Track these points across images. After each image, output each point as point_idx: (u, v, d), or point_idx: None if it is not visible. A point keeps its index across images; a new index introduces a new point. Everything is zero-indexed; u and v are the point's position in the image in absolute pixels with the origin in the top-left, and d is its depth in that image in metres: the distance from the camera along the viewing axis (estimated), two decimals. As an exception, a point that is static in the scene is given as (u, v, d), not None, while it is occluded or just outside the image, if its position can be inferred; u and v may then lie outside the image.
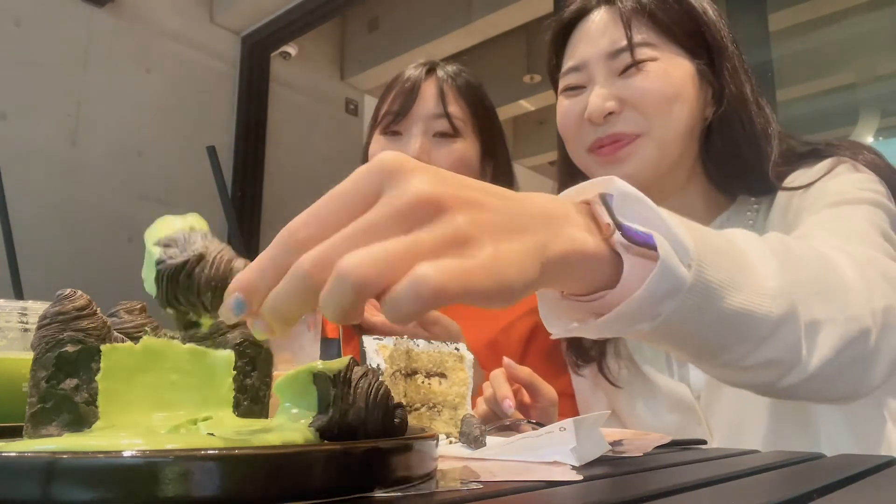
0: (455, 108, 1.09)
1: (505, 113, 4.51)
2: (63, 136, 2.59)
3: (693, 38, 0.83)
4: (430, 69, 1.12)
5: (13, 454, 0.26)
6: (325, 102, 3.68)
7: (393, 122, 1.09)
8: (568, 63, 0.88)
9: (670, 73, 0.81)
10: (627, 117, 0.81)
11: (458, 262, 0.29)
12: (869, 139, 2.73)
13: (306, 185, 3.38)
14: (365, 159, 1.16)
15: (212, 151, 0.66)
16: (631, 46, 0.80)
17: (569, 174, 0.95)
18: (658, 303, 0.38)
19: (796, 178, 0.81)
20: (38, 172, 2.50)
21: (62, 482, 0.25)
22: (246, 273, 0.31)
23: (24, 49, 2.49)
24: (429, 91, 1.09)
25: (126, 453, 0.26)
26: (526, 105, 4.43)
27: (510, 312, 1.09)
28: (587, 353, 0.93)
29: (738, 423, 0.80)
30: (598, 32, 0.84)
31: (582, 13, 0.88)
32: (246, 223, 3.11)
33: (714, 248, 0.40)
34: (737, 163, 0.84)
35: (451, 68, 1.14)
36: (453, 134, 1.08)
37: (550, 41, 0.92)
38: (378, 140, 1.11)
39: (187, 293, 0.38)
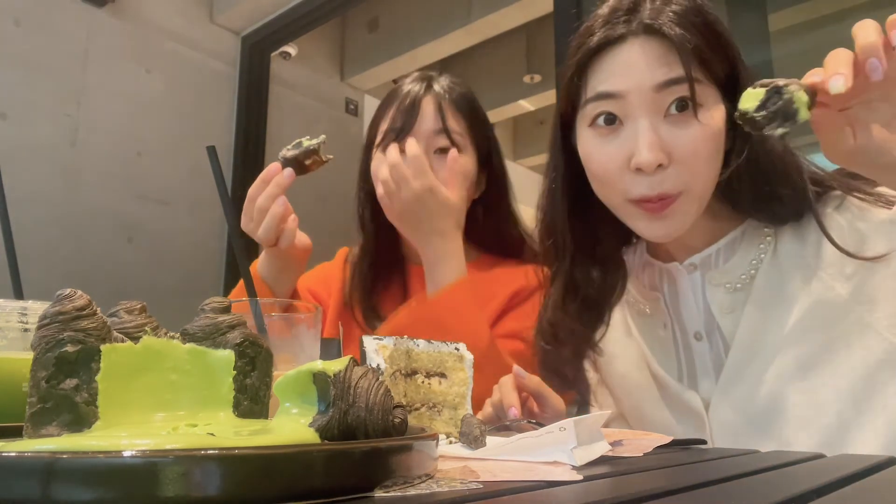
0: (454, 123, 1.12)
1: (505, 113, 4.50)
2: (63, 136, 2.59)
3: (728, 76, 0.80)
4: (428, 84, 1.15)
5: (13, 454, 0.26)
6: (325, 102, 3.67)
7: (395, 140, 1.11)
8: (599, 88, 0.80)
9: (715, 125, 0.77)
10: (673, 174, 0.77)
11: None
12: (869, 139, 2.73)
13: (306, 185, 3.36)
14: (366, 177, 1.20)
15: (212, 151, 0.66)
16: (690, 80, 0.75)
17: (571, 214, 0.90)
18: None
19: (833, 221, 0.80)
20: (38, 172, 2.49)
21: (62, 482, 0.25)
22: None
23: (24, 49, 2.48)
24: (428, 108, 1.12)
25: (126, 453, 0.26)
26: (526, 105, 4.42)
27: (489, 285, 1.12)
28: (564, 376, 0.92)
29: (746, 434, 0.79)
30: (643, 61, 0.77)
31: (618, 39, 0.79)
32: (246, 223, 3.10)
33: None
34: (764, 192, 0.82)
35: (445, 82, 1.17)
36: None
37: (576, 65, 0.83)
38: (380, 158, 1.14)
39: None
